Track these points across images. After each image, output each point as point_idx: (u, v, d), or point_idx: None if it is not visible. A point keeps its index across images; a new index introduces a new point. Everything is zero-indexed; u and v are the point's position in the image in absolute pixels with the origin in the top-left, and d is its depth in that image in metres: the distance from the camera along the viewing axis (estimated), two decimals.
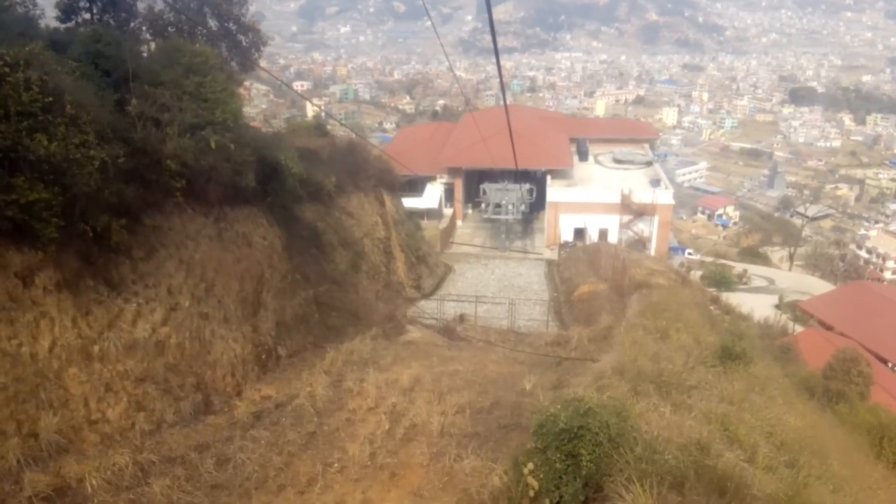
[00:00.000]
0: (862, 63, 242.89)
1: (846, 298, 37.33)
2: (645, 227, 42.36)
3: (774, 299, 38.19)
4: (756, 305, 30.17)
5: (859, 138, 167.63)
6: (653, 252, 40.50)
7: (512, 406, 11.60)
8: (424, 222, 41.52)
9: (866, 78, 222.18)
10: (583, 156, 51.61)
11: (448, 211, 47.66)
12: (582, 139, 53.08)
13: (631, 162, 49.41)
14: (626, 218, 42.03)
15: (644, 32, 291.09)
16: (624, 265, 20.50)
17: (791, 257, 66.70)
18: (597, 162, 51.08)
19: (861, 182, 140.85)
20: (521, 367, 14.88)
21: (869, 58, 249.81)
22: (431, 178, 48.45)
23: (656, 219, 41.93)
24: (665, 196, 42.74)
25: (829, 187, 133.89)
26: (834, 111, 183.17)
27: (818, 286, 46.86)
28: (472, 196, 47.49)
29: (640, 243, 41.33)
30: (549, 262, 36.15)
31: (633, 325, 12.96)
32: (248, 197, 15.23)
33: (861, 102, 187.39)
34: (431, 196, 46.82)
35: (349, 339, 15.94)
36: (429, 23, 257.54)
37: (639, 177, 46.35)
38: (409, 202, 40.83)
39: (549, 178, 45.12)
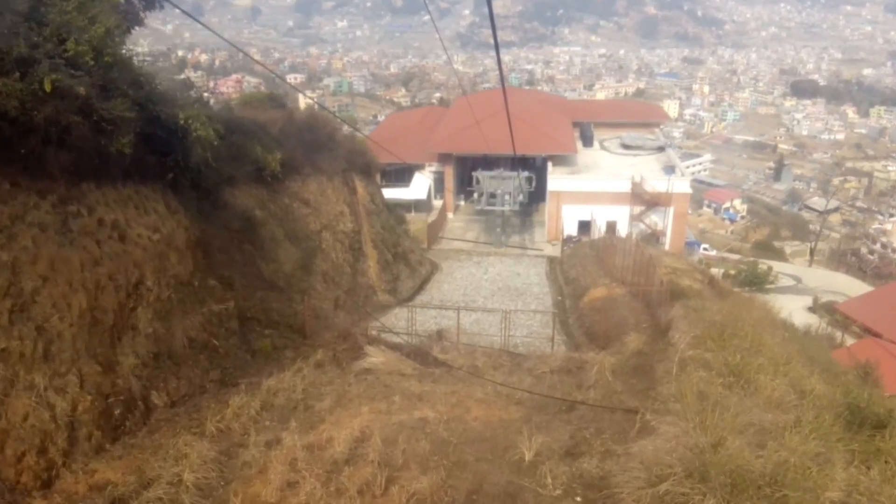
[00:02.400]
0: (862, 56, 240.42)
1: (889, 300, 32.84)
2: (658, 220, 37.80)
3: (806, 300, 33.86)
4: (790, 308, 25.88)
5: (863, 131, 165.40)
6: (667, 247, 36.04)
7: (502, 497, 7.22)
8: (412, 215, 37.55)
9: (867, 71, 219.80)
10: (587, 141, 47.12)
11: (438, 202, 43.36)
12: (586, 123, 48.53)
13: (641, 147, 44.80)
14: (638, 209, 37.49)
15: (643, 26, 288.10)
16: (650, 264, 16.01)
17: (812, 253, 62.49)
18: (603, 147, 46.57)
19: (869, 175, 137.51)
20: (518, 410, 10.43)
21: (869, 51, 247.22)
22: (420, 167, 44.09)
23: (671, 210, 37.39)
24: (681, 184, 38.17)
25: (836, 180, 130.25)
26: (836, 104, 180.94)
27: (850, 285, 42.49)
28: (465, 186, 43.10)
29: (654, 237, 36.79)
30: (551, 260, 32.19)
31: (689, 360, 8.43)
32: (130, 170, 10.69)
33: (863, 95, 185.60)
34: (419, 186, 42.47)
35: (281, 370, 11.47)
36: (426, 17, 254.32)
37: (650, 163, 41.82)
38: (395, 193, 37.09)
39: (550, 165, 40.73)
